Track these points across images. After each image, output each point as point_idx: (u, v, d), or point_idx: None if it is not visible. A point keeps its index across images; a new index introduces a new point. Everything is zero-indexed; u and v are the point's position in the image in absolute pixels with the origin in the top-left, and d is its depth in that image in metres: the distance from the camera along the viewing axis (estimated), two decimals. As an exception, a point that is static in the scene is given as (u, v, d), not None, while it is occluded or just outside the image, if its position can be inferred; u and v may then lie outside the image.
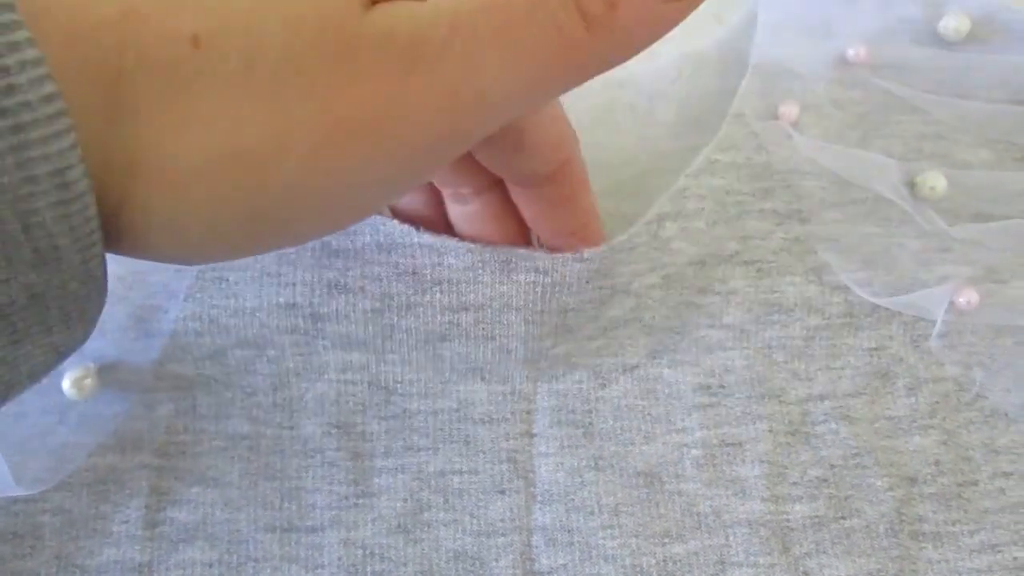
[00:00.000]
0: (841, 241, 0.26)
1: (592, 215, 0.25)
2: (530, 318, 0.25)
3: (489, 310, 0.25)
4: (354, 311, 0.25)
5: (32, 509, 0.24)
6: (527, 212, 0.24)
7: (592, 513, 0.24)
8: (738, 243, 0.26)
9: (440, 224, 0.25)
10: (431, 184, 0.25)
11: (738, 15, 0.30)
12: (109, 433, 0.25)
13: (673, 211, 0.26)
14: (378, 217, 0.24)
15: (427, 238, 0.24)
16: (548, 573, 0.24)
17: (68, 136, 0.13)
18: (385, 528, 0.25)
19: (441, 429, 0.25)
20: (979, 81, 0.28)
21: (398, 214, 0.25)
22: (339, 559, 0.24)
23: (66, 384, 0.24)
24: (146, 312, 0.25)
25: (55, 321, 0.15)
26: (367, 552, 0.24)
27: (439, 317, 0.25)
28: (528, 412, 0.25)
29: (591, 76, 0.17)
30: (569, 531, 0.24)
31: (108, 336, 0.25)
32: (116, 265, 0.25)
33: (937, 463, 0.25)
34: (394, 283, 0.25)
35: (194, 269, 0.25)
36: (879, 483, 0.25)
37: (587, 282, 0.25)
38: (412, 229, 0.24)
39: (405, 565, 0.24)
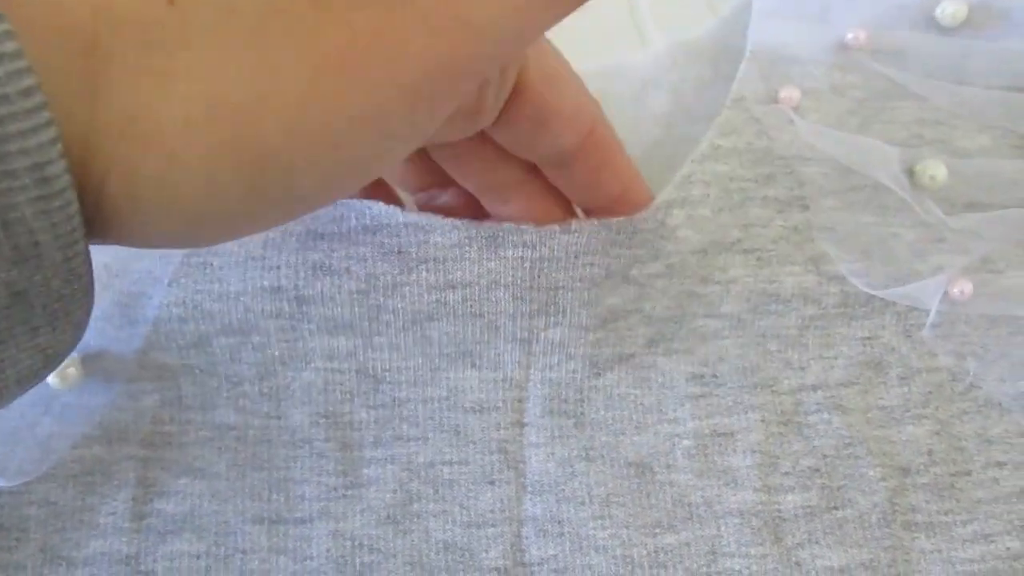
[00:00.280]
0: (838, 230, 0.26)
1: (633, 175, 0.24)
2: (519, 294, 0.24)
3: (476, 287, 0.24)
4: (339, 292, 0.24)
5: (18, 501, 0.24)
6: (569, 190, 0.24)
7: (583, 504, 0.24)
8: (740, 231, 0.26)
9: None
10: (468, 194, 0.24)
11: (732, 4, 0.30)
12: (94, 424, 0.25)
13: (680, 198, 0.25)
14: (365, 201, 0.24)
15: (412, 217, 0.24)
16: (538, 564, 0.24)
17: (48, 130, 0.13)
18: (374, 519, 0.24)
19: (431, 418, 0.25)
20: (977, 67, 0.27)
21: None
22: (328, 551, 0.24)
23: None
24: (130, 299, 0.25)
25: (40, 322, 0.14)
26: (356, 543, 0.24)
27: (426, 296, 0.24)
28: (519, 400, 0.25)
29: (580, 2, 0.16)
30: (559, 522, 0.24)
31: (92, 325, 0.25)
32: (101, 253, 0.25)
33: (930, 453, 0.25)
34: (379, 263, 0.24)
35: (179, 254, 0.25)
36: (872, 473, 0.25)
37: (576, 257, 0.24)
38: (397, 209, 0.24)
39: (394, 556, 0.24)
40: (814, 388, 0.25)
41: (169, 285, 0.25)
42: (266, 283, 0.24)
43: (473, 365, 0.25)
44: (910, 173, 0.26)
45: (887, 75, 0.27)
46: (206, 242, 0.17)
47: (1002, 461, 0.25)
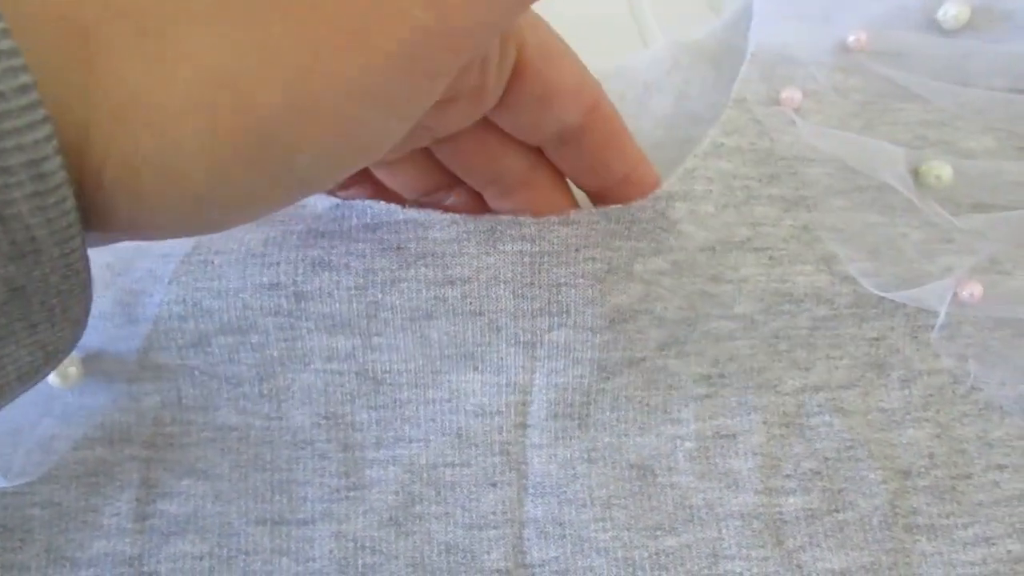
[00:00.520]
0: (846, 231, 0.26)
1: (640, 156, 0.24)
2: (519, 291, 0.24)
3: (476, 283, 0.24)
4: (337, 288, 0.24)
5: (21, 502, 0.24)
6: (575, 173, 0.24)
7: (584, 506, 0.24)
8: (748, 229, 0.25)
9: None
10: (473, 191, 0.24)
11: (734, 5, 0.30)
12: (96, 425, 0.25)
13: (682, 191, 0.25)
14: (366, 201, 0.24)
15: (411, 213, 0.24)
16: (540, 566, 0.24)
17: (43, 127, 0.13)
18: (376, 521, 0.24)
19: (432, 420, 0.25)
20: (979, 69, 0.27)
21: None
22: (330, 552, 0.24)
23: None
24: (131, 298, 0.25)
25: (39, 318, 0.14)
26: (358, 545, 0.24)
27: (424, 292, 0.24)
28: (523, 404, 0.25)
29: None
30: (561, 524, 0.24)
31: (93, 323, 0.25)
32: (103, 253, 0.25)
33: (931, 456, 0.25)
34: (378, 258, 0.24)
35: (180, 252, 0.25)
36: (872, 476, 0.25)
37: (576, 251, 0.24)
38: (397, 207, 0.24)
39: (396, 558, 0.24)
40: (816, 389, 0.25)
41: (170, 283, 0.25)
42: (265, 279, 0.24)
43: (475, 368, 0.25)
44: (915, 174, 0.26)
45: (889, 77, 0.27)
46: (209, 228, 0.17)
47: (1003, 464, 0.25)
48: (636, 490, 0.25)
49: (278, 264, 0.24)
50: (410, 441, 0.25)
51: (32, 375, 0.15)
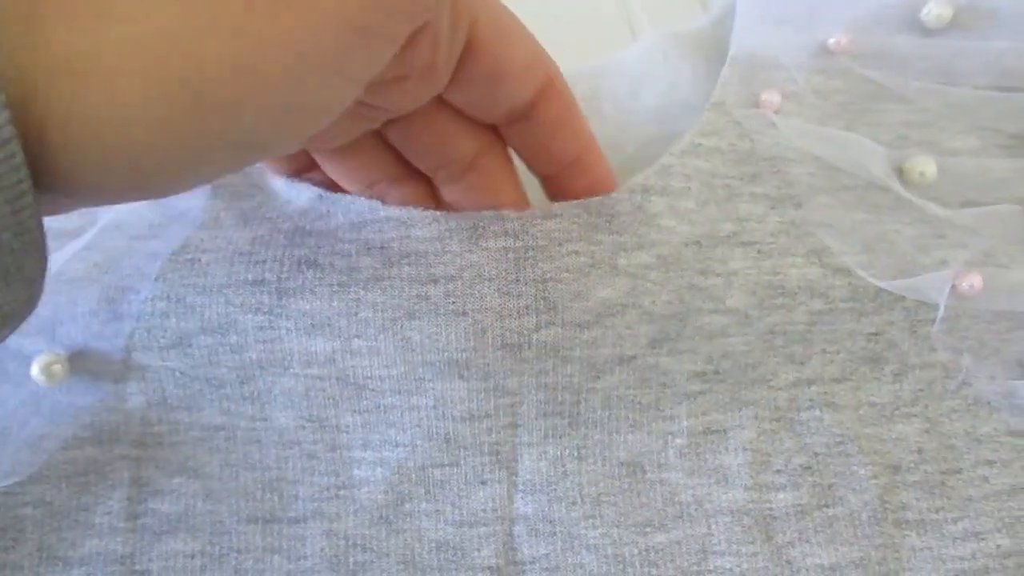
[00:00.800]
0: (836, 226, 0.26)
1: (591, 142, 0.24)
2: (505, 289, 0.24)
3: (460, 281, 0.24)
4: (319, 285, 0.24)
5: (13, 502, 0.24)
6: (525, 150, 0.24)
7: (574, 503, 0.24)
8: (734, 224, 0.25)
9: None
10: (418, 174, 0.24)
11: (723, 1, 0.30)
12: (84, 424, 0.25)
13: (658, 185, 0.25)
14: (348, 196, 0.24)
15: (393, 211, 0.24)
16: (530, 563, 0.24)
17: None
18: (367, 519, 0.24)
19: (419, 426, 0.25)
20: (963, 68, 0.27)
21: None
22: (321, 550, 0.24)
23: (35, 370, 0.24)
24: (117, 294, 0.25)
25: None
26: (349, 543, 0.24)
27: (407, 290, 0.24)
28: (512, 406, 0.25)
29: None
30: (551, 521, 0.24)
31: (79, 321, 0.25)
32: (92, 252, 0.25)
33: (920, 451, 0.25)
34: (362, 257, 0.24)
35: (168, 249, 0.25)
36: (862, 471, 0.25)
37: (559, 245, 0.24)
38: (378, 204, 0.24)
39: (387, 556, 0.24)
40: (809, 383, 0.25)
41: (156, 280, 0.24)
42: (250, 276, 0.24)
43: (460, 376, 0.24)
44: (899, 172, 0.26)
45: (871, 78, 0.27)
46: (152, 191, 0.17)
47: (992, 459, 0.25)
48: (626, 487, 0.25)
49: (264, 262, 0.24)
50: (396, 445, 0.25)
51: None
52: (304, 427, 0.25)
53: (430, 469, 0.25)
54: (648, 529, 0.24)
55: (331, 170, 0.24)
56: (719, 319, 0.25)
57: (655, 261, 0.25)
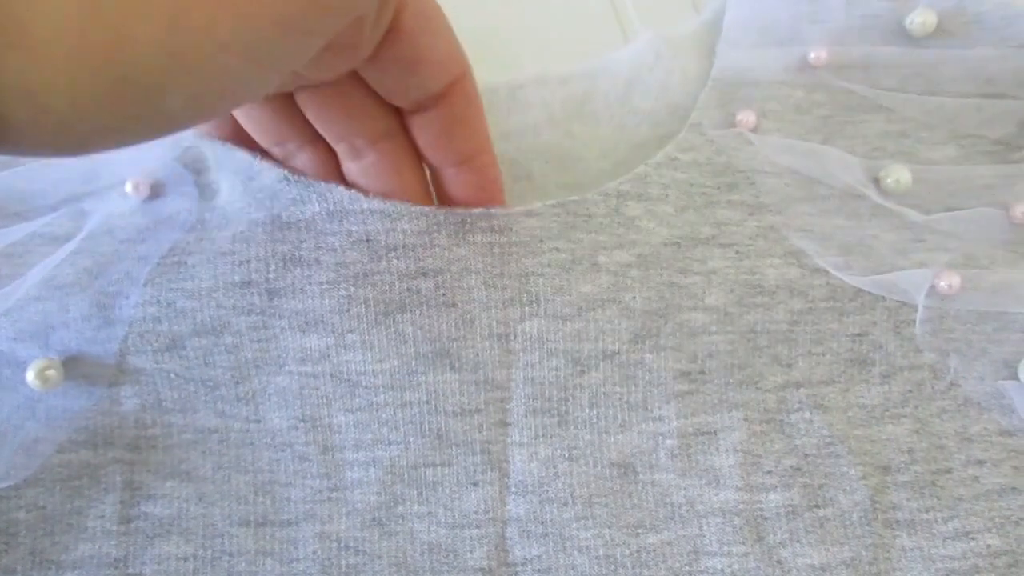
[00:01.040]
0: (815, 231, 0.26)
1: (487, 146, 0.25)
2: (490, 281, 0.25)
3: (448, 274, 0.25)
4: (309, 283, 0.25)
5: (6, 506, 0.24)
6: (424, 140, 0.24)
7: (566, 504, 0.24)
8: (712, 228, 0.26)
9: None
10: (326, 144, 0.25)
11: (714, 3, 0.30)
12: (79, 428, 0.25)
13: (634, 191, 0.26)
14: (324, 184, 0.24)
15: (377, 204, 0.24)
16: (522, 564, 0.24)
17: None
18: (359, 521, 0.25)
19: (411, 422, 0.25)
20: (948, 75, 0.28)
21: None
22: (314, 552, 0.24)
23: (30, 376, 0.24)
24: (108, 300, 0.25)
25: None
26: (342, 545, 0.24)
27: (397, 284, 0.24)
28: (502, 401, 0.25)
29: None
30: (543, 522, 0.24)
31: (71, 326, 0.25)
32: (81, 257, 0.25)
33: (910, 451, 0.25)
34: (348, 251, 0.24)
35: (157, 254, 0.25)
36: (853, 472, 0.25)
37: (541, 241, 0.25)
38: (360, 195, 0.24)
39: (380, 558, 0.24)
40: (798, 385, 0.26)
41: (145, 285, 0.25)
42: (237, 278, 0.25)
43: (452, 367, 0.25)
44: (875, 181, 0.27)
45: (854, 90, 0.27)
46: (69, 151, 0.17)
47: (982, 459, 0.25)
48: (617, 488, 0.25)
49: (248, 262, 0.25)
50: (389, 443, 0.25)
51: None
52: (297, 427, 0.25)
53: (422, 469, 0.25)
54: (640, 530, 0.24)
55: (243, 120, 0.25)
56: (699, 316, 0.25)
57: (635, 260, 0.25)
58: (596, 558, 0.24)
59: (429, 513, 0.25)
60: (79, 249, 0.25)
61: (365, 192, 0.24)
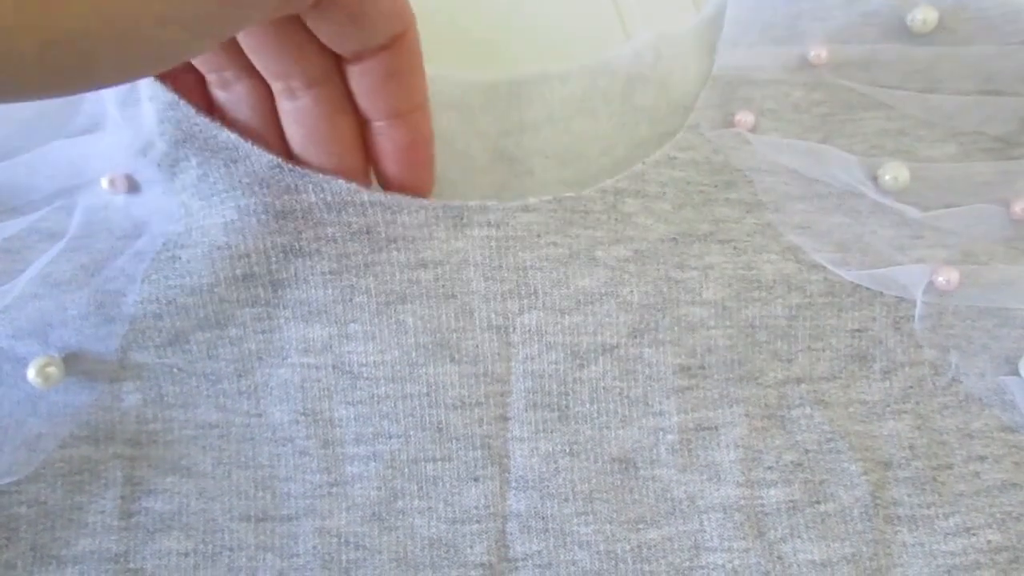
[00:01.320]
0: (812, 228, 0.26)
1: (423, 103, 0.25)
2: (489, 274, 0.25)
3: (447, 266, 0.25)
4: (312, 273, 0.25)
5: (7, 501, 0.24)
6: (360, 88, 0.24)
7: (567, 499, 0.24)
8: (710, 225, 0.26)
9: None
10: (263, 87, 0.24)
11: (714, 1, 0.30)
12: (80, 423, 0.25)
13: (632, 189, 0.26)
14: (319, 175, 0.24)
15: (377, 196, 0.25)
16: (522, 559, 0.24)
17: None
18: (360, 516, 0.25)
19: (411, 415, 0.25)
20: (948, 73, 0.28)
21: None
22: (314, 548, 0.24)
23: (31, 373, 0.24)
24: (106, 297, 0.25)
25: None
26: (342, 540, 0.24)
27: (398, 275, 0.25)
28: (502, 395, 0.25)
29: None
30: (543, 518, 0.24)
31: (70, 325, 0.25)
32: (79, 254, 0.25)
33: (911, 447, 0.25)
34: (349, 243, 0.25)
35: (152, 250, 0.25)
36: (853, 467, 0.25)
37: (538, 236, 0.25)
38: (357, 187, 0.24)
39: (380, 553, 0.24)
40: (799, 381, 0.26)
41: (142, 282, 0.25)
42: (238, 272, 0.25)
43: (452, 359, 0.25)
44: (874, 179, 0.27)
45: (853, 88, 0.28)
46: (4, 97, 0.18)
47: (983, 455, 0.25)
48: (618, 483, 0.25)
49: (248, 255, 0.25)
50: (390, 437, 0.25)
51: None
52: (298, 421, 0.25)
53: (423, 463, 0.25)
54: (640, 525, 0.24)
55: None
56: (697, 311, 0.26)
57: (632, 255, 0.26)
58: (597, 553, 0.24)
59: (429, 508, 0.25)
60: (75, 246, 0.25)
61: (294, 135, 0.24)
